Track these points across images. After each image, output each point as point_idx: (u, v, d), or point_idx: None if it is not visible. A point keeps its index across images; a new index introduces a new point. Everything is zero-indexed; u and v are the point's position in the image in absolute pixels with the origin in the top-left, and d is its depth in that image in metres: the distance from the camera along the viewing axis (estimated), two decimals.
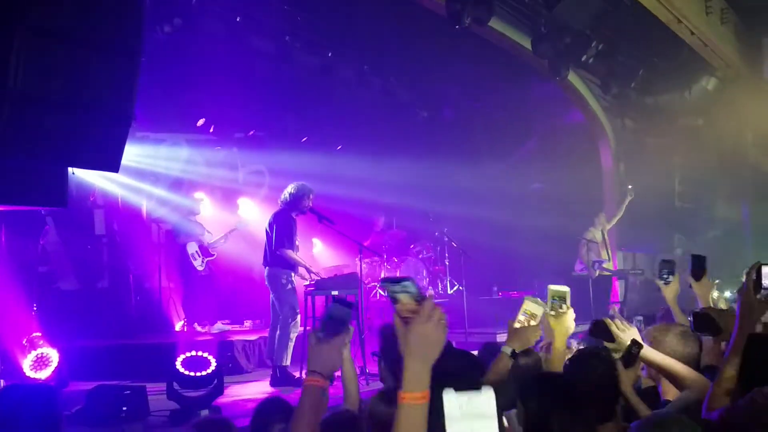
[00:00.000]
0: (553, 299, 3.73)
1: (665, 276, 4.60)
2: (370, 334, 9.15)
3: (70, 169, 5.02)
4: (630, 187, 12.80)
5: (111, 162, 4.72)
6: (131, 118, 4.67)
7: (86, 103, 4.43)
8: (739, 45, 12.47)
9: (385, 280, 1.94)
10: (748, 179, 13.42)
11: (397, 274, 12.20)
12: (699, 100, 12.87)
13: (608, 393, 3.17)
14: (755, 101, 12.62)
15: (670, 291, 4.58)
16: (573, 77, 11.98)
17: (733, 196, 13.65)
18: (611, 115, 13.58)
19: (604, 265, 12.47)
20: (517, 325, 3.70)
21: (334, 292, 8.05)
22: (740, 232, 13.78)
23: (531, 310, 3.71)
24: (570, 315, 3.70)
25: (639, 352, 3.42)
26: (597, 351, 3.40)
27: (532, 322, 3.69)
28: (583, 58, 10.68)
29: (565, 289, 3.75)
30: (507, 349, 3.64)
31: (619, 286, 13.04)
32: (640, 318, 6.44)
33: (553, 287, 3.76)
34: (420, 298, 1.89)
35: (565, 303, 3.71)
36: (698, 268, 4.48)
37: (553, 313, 3.70)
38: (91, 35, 4.33)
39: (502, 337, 9.35)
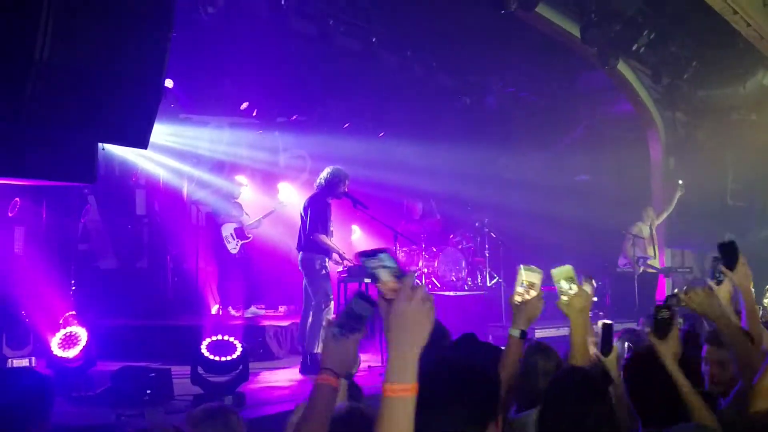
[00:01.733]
0: (559, 283, 3.28)
1: (719, 275, 3.98)
2: None
3: (100, 145, 4.96)
4: (681, 182, 12.43)
5: (140, 138, 4.64)
6: (161, 93, 4.59)
7: (115, 77, 4.34)
8: None
9: (361, 253, 1.77)
10: None
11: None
12: (754, 95, 12.47)
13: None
14: None
15: (723, 291, 4.20)
16: (623, 66, 11.68)
17: None
18: (662, 107, 13.22)
19: (649, 262, 12.13)
20: (517, 299, 3.25)
21: (367, 280, 7.93)
22: None
23: (529, 279, 3.25)
24: (583, 294, 3.29)
25: (670, 316, 3.05)
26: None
27: (533, 292, 3.24)
28: (634, 47, 10.41)
29: (567, 267, 3.31)
30: (515, 332, 3.22)
31: (666, 284, 12.68)
32: (681, 320, 6.15)
33: (554, 270, 3.30)
34: (399, 274, 1.71)
35: (573, 282, 3.28)
36: (730, 256, 3.73)
37: (565, 298, 3.26)
38: (121, 6, 4.24)
39: (540, 333, 9.18)
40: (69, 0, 4.02)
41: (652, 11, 10.06)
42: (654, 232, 12.38)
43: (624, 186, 13.18)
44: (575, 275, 3.31)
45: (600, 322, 3.60)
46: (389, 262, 1.72)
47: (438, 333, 3.92)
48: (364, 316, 2.11)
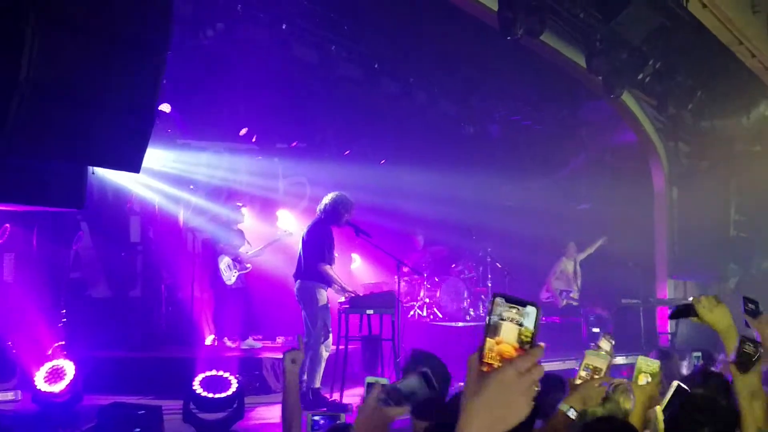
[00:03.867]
0: (586, 368, 3.25)
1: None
2: (405, 357, 8.78)
3: (90, 169, 4.73)
4: (605, 237, 12.73)
5: (132, 162, 4.40)
6: (154, 115, 4.36)
7: (106, 99, 4.11)
8: None
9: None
10: None
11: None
12: (757, 126, 12.40)
13: None
14: None
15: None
16: (626, 96, 11.55)
17: None
18: (665, 137, 13.09)
19: (572, 295, 12.30)
20: (578, 381, 3.20)
21: (369, 311, 7.70)
22: None
23: (593, 363, 3.20)
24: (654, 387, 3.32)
25: (757, 350, 2.83)
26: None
27: (596, 378, 3.18)
28: (639, 76, 10.25)
29: (656, 363, 3.35)
30: (565, 407, 3.11)
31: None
32: (698, 354, 5.90)
33: (642, 360, 3.35)
34: (531, 341, 1.29)
35: (654, 378, 3.32)
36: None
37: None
38: (114, 24, 4.02)
39: (548, 366, 8.90)
40: (56, 17, 3.79)
41: (658, 41, 9.92)
42: (578, 267, 12.55)
43: (627, 215, 13.00)
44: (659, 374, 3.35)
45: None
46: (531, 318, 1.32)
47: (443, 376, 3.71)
48: (417, 394, 1.84)
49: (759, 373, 2.86)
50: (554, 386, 3.87)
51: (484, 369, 1.28)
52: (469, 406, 1.28)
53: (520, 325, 1.28)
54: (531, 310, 1.28)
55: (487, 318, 1.30)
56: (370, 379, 2.11)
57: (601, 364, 3.18)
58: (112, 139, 4.21)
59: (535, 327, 1.28)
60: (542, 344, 1.29)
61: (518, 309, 1.28)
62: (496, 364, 1.27)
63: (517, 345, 1.28)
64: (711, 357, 6.58)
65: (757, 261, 12.87)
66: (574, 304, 12.39)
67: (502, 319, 1.29)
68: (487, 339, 1.29)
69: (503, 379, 1.26)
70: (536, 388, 1.28)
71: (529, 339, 1.28)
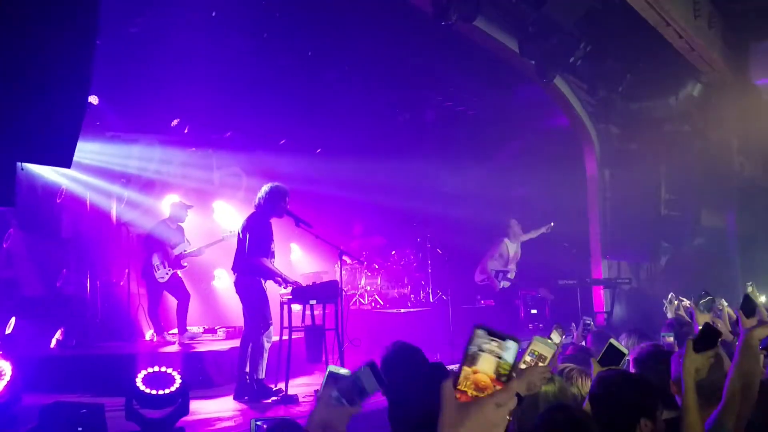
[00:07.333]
0: (531, 354, 3.22)
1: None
2: (350, 346, 8.79)
3: (19, 165, 4.52)
4: (552, 224, 12.58)
5: (63, 156, 4.20)
6: (85, 105, 4.18)
7: (34, 87, 3.91)
8: (726, 50, 12.23)
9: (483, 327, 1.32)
10: (734, 187, 13.27)
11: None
12: (685, 107, 12.68)
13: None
14: (741, 108, 12.48)
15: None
16: (558, 80, 11.68)
17: (719, 204, 13.44)
18: (596, 121, 13.29)
19: (509, 276, 12.17)
20: (522, 365, 3.17)
21: (313, 302, 7.65)
22: (726, 240, 13.58)
23: (539, 350, 3.20)
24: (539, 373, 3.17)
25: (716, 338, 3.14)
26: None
27: (540, 365, 3.18)
28: (571, 60, 10.40)
29: (552, 347, 3.25)
30: None
31: (604, 295, 12.73)
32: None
33: (538, 341, 3.25)
34: (509, 375, 1.30)
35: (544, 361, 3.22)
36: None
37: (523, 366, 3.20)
38: (41, 7, 3.83)
39: None
40: None
41: (588, 24, 10.09)
42: (519, 249, 12.42)
43: (561, 198, 13.17)
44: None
45: None
46: (509, 355, 1.32)
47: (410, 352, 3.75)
48: (367, 391, 1.86)
49: (708, 358, 3.13)
50: None
51: (457, 396, 1.29)
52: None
53: (499, 357, 1.30)
54: (512, 345, 1.30)
55: (467, 347, 1.30)
56: (332, 368, 2.08)
57: (547, 352, 3.19)
58: (40, 131, 4.01)
59: (513, 361, 1.30)
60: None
61: (498, 342, 1.30)
62: (470, 392, 1.29)
63: (493, 376, 1.29)
64: (646, 336, 6.69)
65: (687, 238, 13.21)
66: (506, 285, 12.12)
67: (481, 350, 1.30)
68: (464, 367, 1.30)
69: (484, 411, 1.27)
70: (509, 419, 1.29)
71: (506, 372, 1.29)
